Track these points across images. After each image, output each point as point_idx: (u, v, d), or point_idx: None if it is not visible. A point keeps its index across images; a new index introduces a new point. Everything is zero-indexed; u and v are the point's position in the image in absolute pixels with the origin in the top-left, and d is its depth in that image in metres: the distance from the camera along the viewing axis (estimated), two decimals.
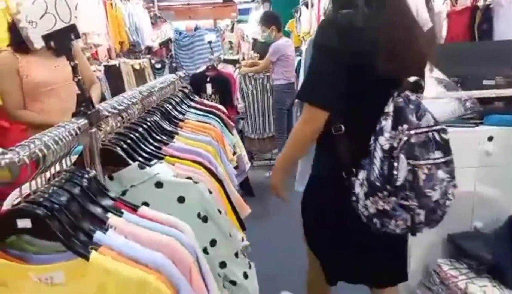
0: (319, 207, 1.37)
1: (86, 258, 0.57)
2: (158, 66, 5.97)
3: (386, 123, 1.11)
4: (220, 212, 0.91)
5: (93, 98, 0.78)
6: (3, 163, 0.52)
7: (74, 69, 0.76)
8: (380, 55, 1.11)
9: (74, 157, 0.82)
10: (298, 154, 1.41)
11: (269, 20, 4.27)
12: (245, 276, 0.97)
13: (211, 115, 1.66)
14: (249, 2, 9.52)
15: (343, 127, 1.22)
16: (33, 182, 0.60)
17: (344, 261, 1.37)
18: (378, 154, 1.11)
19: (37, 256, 0.58)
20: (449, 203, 1.15)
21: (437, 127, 1.13)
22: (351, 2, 1.18)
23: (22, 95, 1.90)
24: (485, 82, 1.93)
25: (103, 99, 2.77)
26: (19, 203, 0.57)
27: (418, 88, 1.16)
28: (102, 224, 0.63)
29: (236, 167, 1.59)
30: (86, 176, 0.69)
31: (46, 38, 0.75)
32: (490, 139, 1.77)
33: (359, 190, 1.18)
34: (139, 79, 5.02)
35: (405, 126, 1.09)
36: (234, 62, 5.11)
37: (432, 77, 2.00)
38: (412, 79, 1.16)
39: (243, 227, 1.16)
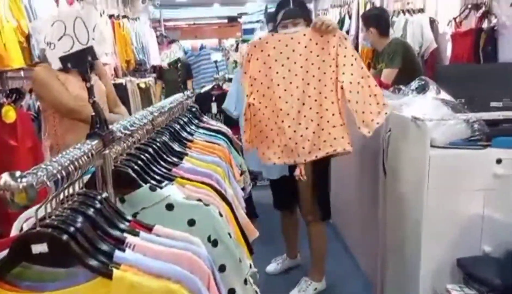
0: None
1: (109, 276, 0.57)
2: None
3: None
4: (230, 236, 0.89)
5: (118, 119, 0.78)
6: (20, 187, 0.51)
7: (90, 90, 0.77)
8: None
9: (85, 177, 0.82)
10: None
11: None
12: None
13: (219, 135, 1.66)
14: (253, 22, 9.66)
15: None
16: (47, 206, 0.60)
17: None
18: None
19: (52, 283, 0.57)
20: None
21: None
22: None
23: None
24: (492, 104, 1.93)
25: None
26: (34, 227, 0.56)
27: None
28: (120, 244, 0.63)
29: (242, 189, 1.58)
30: (99, 198, 0.68)
31: (63, 59, 0.76)
32: (499, 161, 1.76)
33: None
34: (144, 97, 5.06)
35: None
36: None
37: (439, 98, 2.01)
38: None
39: (251, 251, 1.14)
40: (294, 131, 1.78)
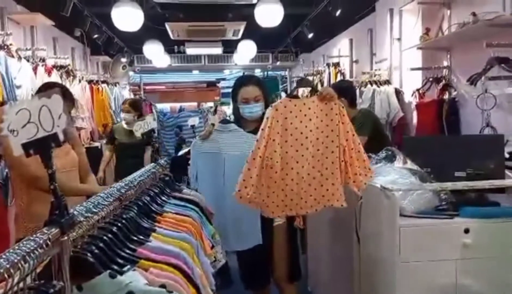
0: None
1: None
2: None
3: None
4: None
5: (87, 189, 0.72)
6: None
7: (51, 176, 0.76)
8: None
9: None
10: None
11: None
12: None
13: (190, 205, 1.64)
14: (231, 87, 10.04)
15: None
16: None
17: None
18: None
19: None
20: None
21: None
22: None
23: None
24: (456, 173, 2.01)
25: None
26: None
27: None
28: None
29: (215, 261, 1.54)
30: (51, 291, 0.65)
31: (26, 146, 0.76)
32: (467, 231, 1.79)
33: None
34: None
35: None
36: None
37: (406, 168, 2.08)
38: None
39: None
40: (301, 188, 1.90)
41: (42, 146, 0.76)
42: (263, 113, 2.26)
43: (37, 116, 0.76)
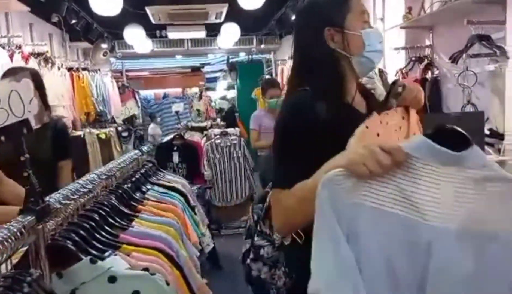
0: None
1: None
2: (125, 134, 5.94)
3: None
4: None
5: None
6: None
7: (25, 163, 0.74)
8: None
9: None
10: None
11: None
12: None
13: (173, 193, 1.64)
14: (216, 71, 9.91)
15: None
16: None
17: None
18: None
19: None
20: None
21: None
22: None
23: None
24: None
25: None
26: None
27: None
28: None
29: (201, 251, 1.53)
30: (28, 279, 0.64)
31: None
32: None
33: None
34: (104, 148, 4.94)
35: None
36: (201, 129, 5.16)
37: None
38: None
39: None
40: None
41: (14, 133, 0.74)
42: None
43: (7, 101, 0.73)
